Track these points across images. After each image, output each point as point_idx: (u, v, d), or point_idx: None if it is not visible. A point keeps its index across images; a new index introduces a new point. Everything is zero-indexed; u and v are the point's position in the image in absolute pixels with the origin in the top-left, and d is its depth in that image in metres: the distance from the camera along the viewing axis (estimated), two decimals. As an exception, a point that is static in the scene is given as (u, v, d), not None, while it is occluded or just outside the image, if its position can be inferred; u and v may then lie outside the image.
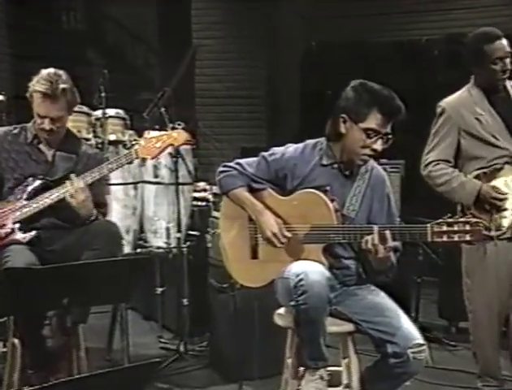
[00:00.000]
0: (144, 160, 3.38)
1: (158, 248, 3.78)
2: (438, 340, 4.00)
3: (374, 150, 2.38)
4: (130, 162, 2.72)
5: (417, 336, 2.27)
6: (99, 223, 2.68)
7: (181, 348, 3.73)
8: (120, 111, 3.57)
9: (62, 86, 2.67)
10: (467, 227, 2.12)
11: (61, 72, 2.73)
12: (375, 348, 2.30)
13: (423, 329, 4.02)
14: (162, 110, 3.58)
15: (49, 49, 6.18)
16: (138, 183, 3.63)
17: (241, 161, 2.55)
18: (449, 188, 2.89)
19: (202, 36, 6.74)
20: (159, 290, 4.02)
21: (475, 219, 2.14)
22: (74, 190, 2.61)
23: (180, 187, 3.70)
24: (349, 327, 2.34)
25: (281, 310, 2.48)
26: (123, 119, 3.56)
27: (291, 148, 2.53)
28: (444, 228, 2.14)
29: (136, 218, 3.69)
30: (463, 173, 2.90)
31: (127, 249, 3.66)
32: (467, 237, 2.12)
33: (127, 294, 2.30)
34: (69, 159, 2.79)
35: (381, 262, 2.29)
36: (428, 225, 2.18)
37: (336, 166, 2.47)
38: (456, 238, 2.13)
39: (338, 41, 6.76)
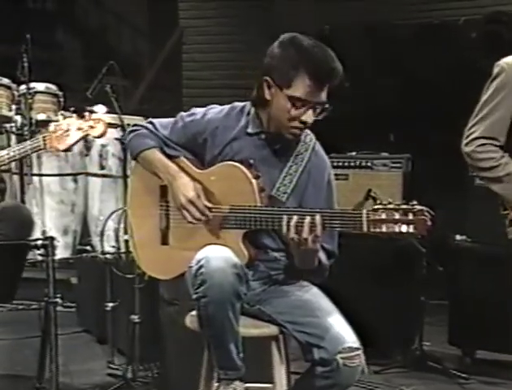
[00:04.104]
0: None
1: (104, 253, 3.74)
2: (446, 372, 3.87)
3: (303, 123, 2.30)
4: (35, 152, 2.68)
5: (349, 339, 2.17)
6: (5, 206, 2.66)
7: (129, 375, 3.68)
8: (52, 86, 3.56)
9: None
10: (410, 217, 2.04)
11: None
12: (303, 355, 2.21)
13: (429, 359, 3.97)
14: (108, 88, 3.56)
15: (10, 31, 6.25)
16: (78, 174, 3.61)
17: (154, 120, 2.49)
18: (493, 176, 2.69)
19: (190, 16, 6.76)
20: (110, 306, 3.98)
21: (419, 207, 2.06)
22: None
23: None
24: (271, 329, 2.25)
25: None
26: (56, 95, 3.54)
27: (215, 109, 2.47)
28: (383, 216, 2.06)
29: (77, 217, 3.67)
30: None
31: (66, 254, 3.64)
32: (410, 229, 2.04)
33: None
34: None
35: (305, 255, 2.20)
36: (364, 211, 2.10)
37: (263, 136, 2.39)
38: (396, 229, 2.05)
39: (357, 23, 6.69)
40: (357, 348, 2.17)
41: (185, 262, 2.27)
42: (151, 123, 2.48)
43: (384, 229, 2.06)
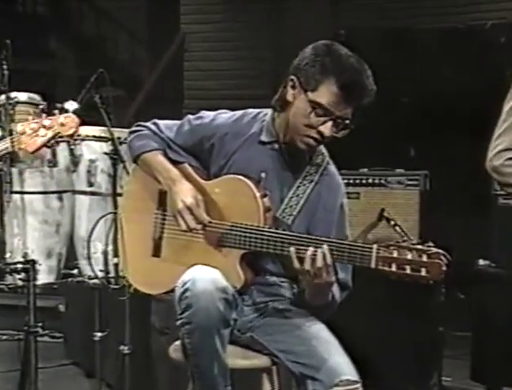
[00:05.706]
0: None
1: (91, 278, 3.72)
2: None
3: (320, 134, 2.29)
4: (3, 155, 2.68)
5: (347, 371, 2.16)
6: None
7: (117, 411, 3.67)
8: (35, 96, 3.56)
9: None
10: (424, 259, 2.03)
11: None
12: (296, 387, 2.21)
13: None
14: (97, 98, 3.57)
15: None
16: (64, 192, 3.62)
17: (159, 121, 2.52)
18: None
19: (193, 21, 6.79)
20: (98, 335, 3.97)
21: (435, 250, 2.05)
22: None
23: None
24: (262, 361, 2.25)
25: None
26: (39, 105, 3.55)
27: (226, 114, 2.49)
28: (395, 254, 2.06)
29: (62, 238, 3.65)
30: None
31: (49, 278, 3.64)
32: (422, 272, 2.03)
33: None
34: None
35: (319, 289, 2.20)
36: (374, 246, 2.09)
37: (276, 146, 2.40)
38: (408, 270, 2.04)
39: (374, 27, 6.71)
40: (355, 382, 2.16)
41: (175, 278, 2.26)
42: (155, 123, 2.51)
43: (393, 268, 2.06)
